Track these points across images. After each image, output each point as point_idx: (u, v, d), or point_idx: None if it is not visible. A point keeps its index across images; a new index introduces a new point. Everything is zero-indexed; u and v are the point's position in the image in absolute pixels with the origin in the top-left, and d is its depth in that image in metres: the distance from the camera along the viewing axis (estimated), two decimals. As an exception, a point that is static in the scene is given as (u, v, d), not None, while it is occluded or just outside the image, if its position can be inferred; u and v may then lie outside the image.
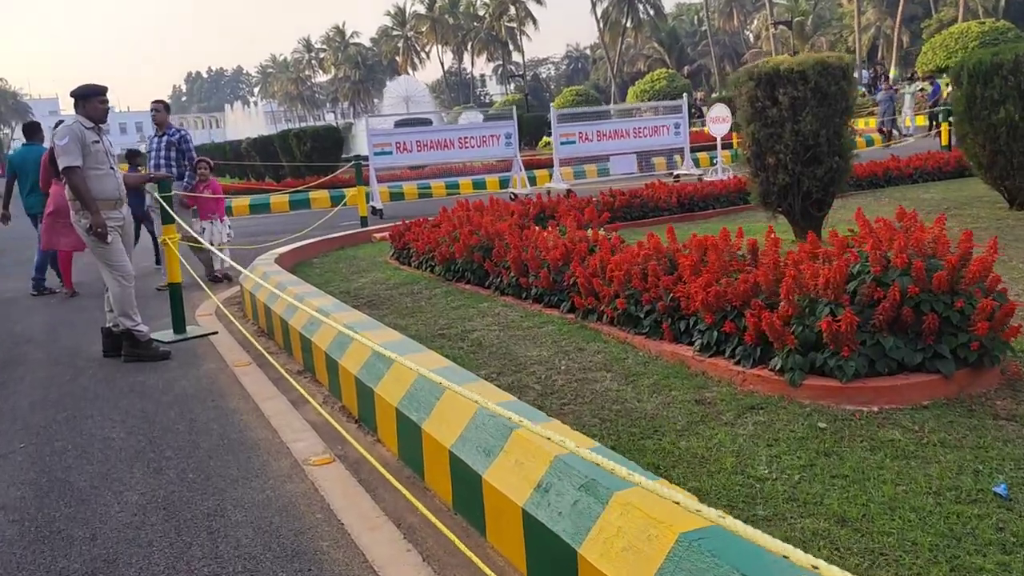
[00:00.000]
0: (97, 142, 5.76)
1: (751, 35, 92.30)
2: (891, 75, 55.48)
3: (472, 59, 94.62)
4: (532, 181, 19.68)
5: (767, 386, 3.59)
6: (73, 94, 5.82)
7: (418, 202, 17.80)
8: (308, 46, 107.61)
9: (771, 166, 7.13)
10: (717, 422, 3.35)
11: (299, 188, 17.99)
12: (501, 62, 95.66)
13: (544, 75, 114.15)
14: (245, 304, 7.26)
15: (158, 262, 11.24)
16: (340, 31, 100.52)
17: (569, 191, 15.90)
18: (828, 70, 6.84)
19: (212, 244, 8.23)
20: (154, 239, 10.97)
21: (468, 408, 3.11)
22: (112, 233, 5.78)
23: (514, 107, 17.14)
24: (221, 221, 9.01)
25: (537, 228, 6.44)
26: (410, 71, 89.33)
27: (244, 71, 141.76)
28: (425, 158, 15.71)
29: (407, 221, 8.40)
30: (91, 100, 5.76)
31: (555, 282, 5.23)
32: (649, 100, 40.82)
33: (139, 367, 5.72)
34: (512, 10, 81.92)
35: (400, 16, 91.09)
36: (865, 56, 72.85)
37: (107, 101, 5.84)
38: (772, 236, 4.33)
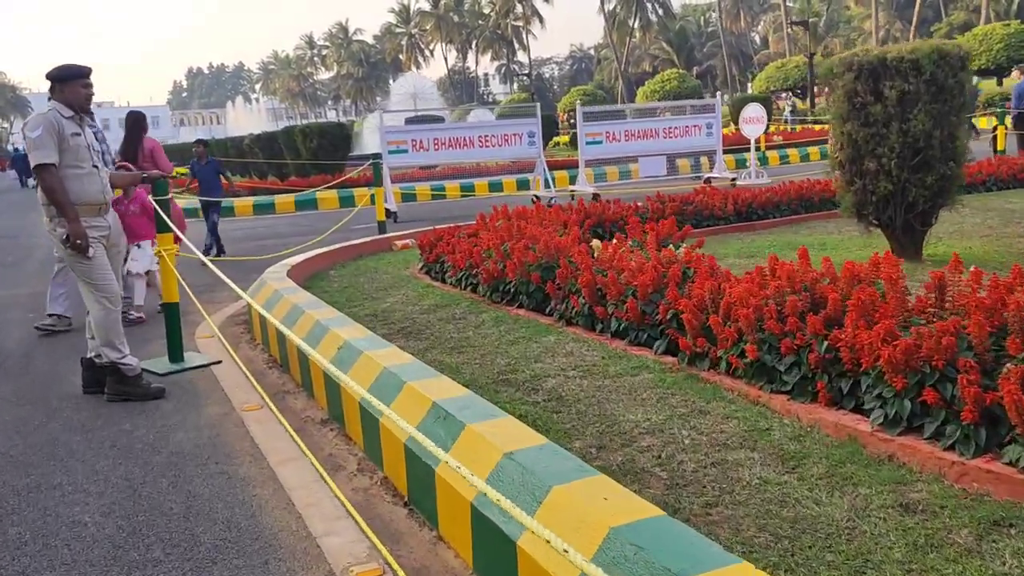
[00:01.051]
0: (78, 134, 4.72)
1: (757, 37, 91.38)
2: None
3: (476, 58, 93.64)
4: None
5: (1006, 487, 2.55)
6: (50, 76, 4.77)
7: (431, 204, 16.77)
8: (311, 43, 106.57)
9: (871, 172, 6.10)
10: (953, 549, 2.30)
11: (311, 188, 16.94)
12: (505, 61, 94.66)
13: (547, 75, 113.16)
14: (253, 326, 6.22)
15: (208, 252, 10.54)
16: (343, 28, 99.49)
17: (596, 195, 14.89)
18: (946, 59, 5.81)
19: (130, 274, 6.81)
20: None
21: (594, 520, 2.08)
22: (95, 245, 4.73)
23: (538, 104, 16.07)
24: (152, 245, 6.59)
25: (604, 243, 5.38)
26: (413, 69, 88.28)
27: (245, 67, 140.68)
28: (442, 157, 14.66)
29: (437, 229, 7.33)
30: (71, 84, 4.71)
31: (644, 314, 4.19)
32: (659, 100, 39.79)
33: (126, 409, 4.67)
34: (519, 8, 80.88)
35: (404, 13, 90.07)
36: (874, 59, 71.87)
37: (91, 85, 4.79)
38: (974, 269, 3.28)
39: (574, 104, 40.80)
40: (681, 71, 52.79)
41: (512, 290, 5.38)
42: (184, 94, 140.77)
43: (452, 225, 7.72)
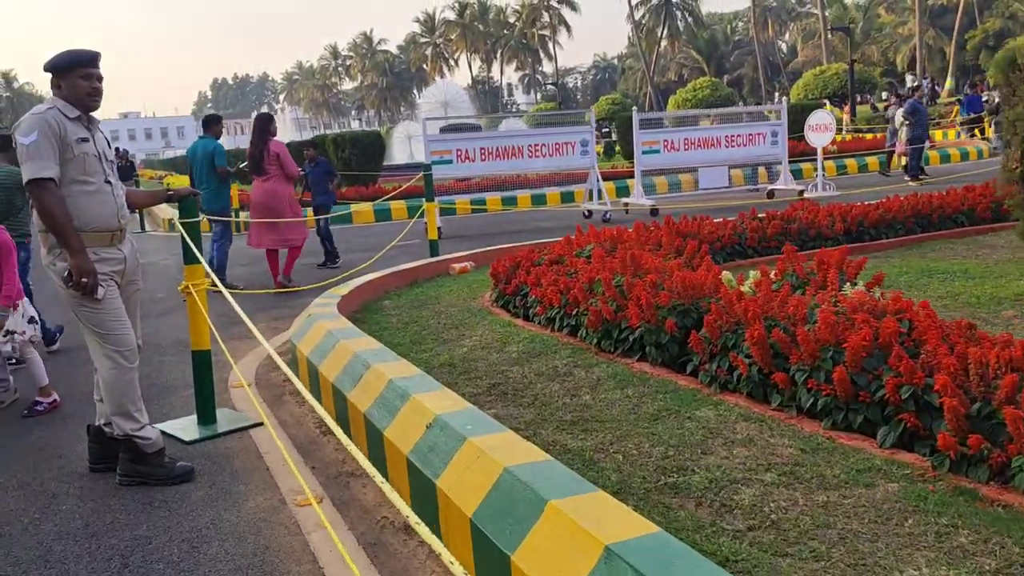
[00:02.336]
0: (86, 140, 3.63)
1: (784, 45, 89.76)
2: (947, 85, 52.96)
3: (501, 67, 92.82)
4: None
5: None
6: (48, 67, 3.69)
7: (472, 219, 15.63)
8: (335, 53, 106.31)
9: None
10: None
11: (345, 200, 15.87)
12: (529, 71, 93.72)
13: (571, 84, 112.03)
14: (300, 372, 5.10)
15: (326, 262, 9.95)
16: (368, 38, 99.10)
17: (655, 208, 13.70)
18: None
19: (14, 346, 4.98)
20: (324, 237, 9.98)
21: None
22: (106, 284, 3.64)
23: (591, 110, 14.94)
24: (14, 310, 4.87)
25: (759, 282, 4.19)
26: (437, 79, 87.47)
27: (270, 78, 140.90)
28: (489, 168, 13.54)
29: (510, 252, 6.15)
30: (70, 75, 3.61)
31: (856, 387, 3.00)
32: (691, 109, 38.46)
33: (143, 499, 3.57)
34: (545, 17, 79.98)
35: (430, 23, 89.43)
36: (905, 67, 70.23)
37: (97, 76, 3.67)
38: None
39: (603, 113, 39.62)
40: (713, 79, 51.48)
41: (633, 338, 4.19)
42: (209, 105, 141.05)
43: (527, 246, 6.56)
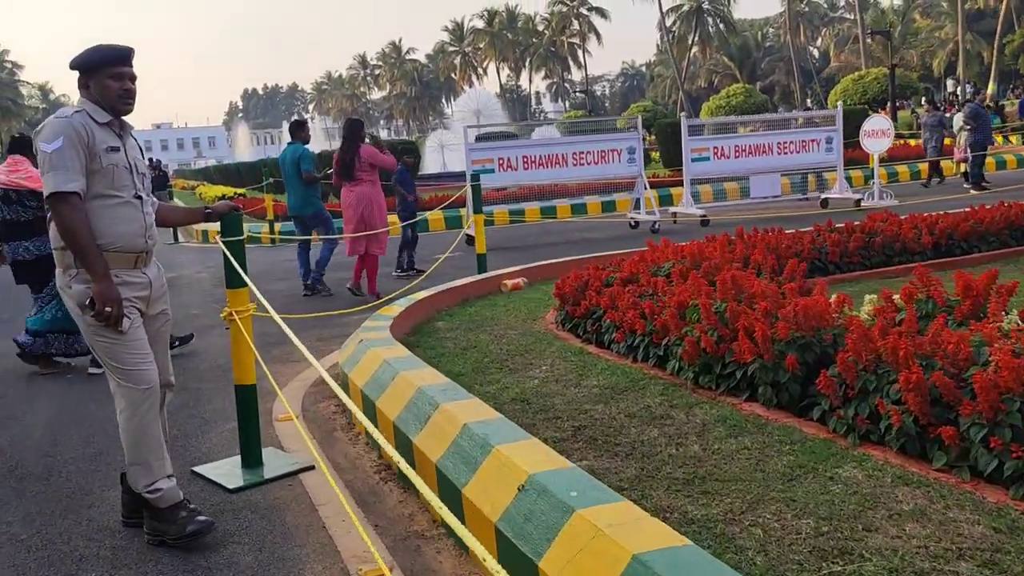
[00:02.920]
0: (116, 149, 3.16)
1: (815, 51, 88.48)
2: (989, 90, 51.59)
3: (530, 75, 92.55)
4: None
5: None
6: (75, 64, 3.22)
7: (510, 230, 15.10)
8: (363, 62, 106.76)
9: None
10: None
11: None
12: (557, 79, 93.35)
13: (599, 92, 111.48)
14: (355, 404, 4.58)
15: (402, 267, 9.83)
16: (396, 47, 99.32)
17: (705, 219, 13.09)
18: None
19: None
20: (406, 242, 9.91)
21: None
22: (129, 313, 3.14)
23: (638, 117, 14.38)
24: None
25: (838, 295, 3.59)
26: (466, 88, 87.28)
27: (299, 88, 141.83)
28: (532, 177, 13.03)
29: (581, 274, 5.60)
30: (99, 74, 3.14)
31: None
32: (726, 116, 37.67)
33: (183, 564, 3.07)
34: (575, 25, 79.56)
35: (458, 31, 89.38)
36: (942, 72, 68.76)
37: (129, 76, 3.19)
38: None
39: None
40: (747, 85, 50.66)
41: (740, 375, 3.60)
42: (240, 115, 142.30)
43: (585, 260, 6.01)
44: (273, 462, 4.05)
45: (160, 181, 20.97)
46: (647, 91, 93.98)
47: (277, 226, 15.97)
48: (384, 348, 4.69)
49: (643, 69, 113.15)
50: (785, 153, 13.89)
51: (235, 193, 25.44)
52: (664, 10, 67.47)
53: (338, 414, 4.85)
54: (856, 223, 7.55)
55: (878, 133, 14.58)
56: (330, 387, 5.42)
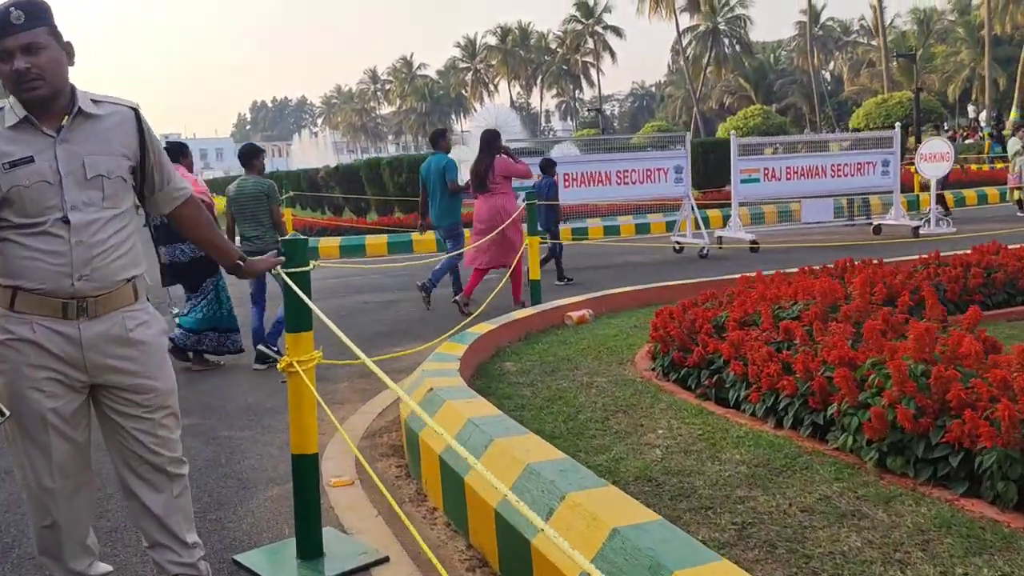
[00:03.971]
0: (26, 161, 2.17)
1: (828, 74, 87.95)
2: (1012, 116, 50.81)
3: (541, 93, 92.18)
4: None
5: None
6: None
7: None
8: (374, 77, 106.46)
9: None
10: None
11: (402, 227, 14.71)
12: (566, 98, 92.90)
13: (608, 112, 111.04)
14: (425, 472, 3.75)
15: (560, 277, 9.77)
16: (407, 62, 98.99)
17: (755, 244, 12.26)
18: None
19: None
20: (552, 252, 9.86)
21: None
22: (38, 387, 2.25)
23: (687, 134, 13.60)
24: None
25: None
26: (476, 106, 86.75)
27: (308, 101, 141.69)
28: (573, 196, 12.24)
29: (688, 312, 4.74)
30: None
31: None
32: (743, 137, 36.98)
33: None
34: (589, 43, 79.19)
35: (470, 48, 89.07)
36: (957, 98, 68.09)
37: (19, 49, 2.12)
38: None
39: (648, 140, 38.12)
40: (764, 107, 49.97)
41: (957, 462, 2.73)
42: (248, 127, 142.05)
43: (664, 291, 5.16)
44: (336, 549, 3.20)
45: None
46: (656, 111, 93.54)
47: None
48: (463, 402, 3.84)
49: (652, 89, 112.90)
50: (839, 176, 13.11)
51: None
52: (680, 30, 67.05)
53: (402, 479, 4.01)
54: (960, 253, 6.74)
55: (937, 157, 13.77)
56: (387, 437, 4.57)
